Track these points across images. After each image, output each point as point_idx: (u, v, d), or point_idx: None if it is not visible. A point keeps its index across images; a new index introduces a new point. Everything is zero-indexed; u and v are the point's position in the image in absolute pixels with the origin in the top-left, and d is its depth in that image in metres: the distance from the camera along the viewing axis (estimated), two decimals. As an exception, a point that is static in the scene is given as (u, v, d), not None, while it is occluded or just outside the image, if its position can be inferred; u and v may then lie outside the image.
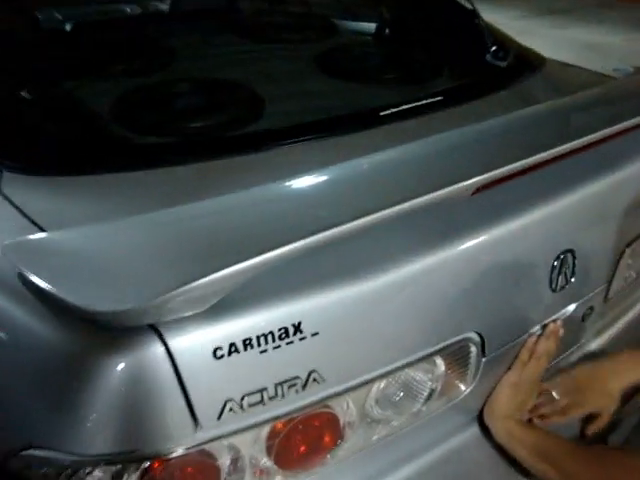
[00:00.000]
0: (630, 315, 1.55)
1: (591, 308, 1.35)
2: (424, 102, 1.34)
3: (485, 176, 0.94)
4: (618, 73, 1.66)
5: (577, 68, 1.80)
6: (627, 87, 1.43)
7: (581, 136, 1.08)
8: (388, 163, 1.01)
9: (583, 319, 1.36)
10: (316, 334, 0.89)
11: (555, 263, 1.18)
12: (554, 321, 1.25)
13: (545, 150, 1.01)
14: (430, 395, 1.10)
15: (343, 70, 1.60)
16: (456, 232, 1.02)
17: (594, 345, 1.46)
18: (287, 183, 0.93)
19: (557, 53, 4.75)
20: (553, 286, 1.20)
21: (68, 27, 1.77)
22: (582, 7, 6.90)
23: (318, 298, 0.90)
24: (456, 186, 0.91)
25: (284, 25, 1.97)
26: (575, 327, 1.35)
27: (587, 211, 1.22)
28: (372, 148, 1.03)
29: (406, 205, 0.87)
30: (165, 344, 0.81)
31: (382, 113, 1.28)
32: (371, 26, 1.94)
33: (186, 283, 0.74)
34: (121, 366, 0.80)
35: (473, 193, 0.95)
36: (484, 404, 1.22)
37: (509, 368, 1.22)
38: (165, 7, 2.12)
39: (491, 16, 1.75)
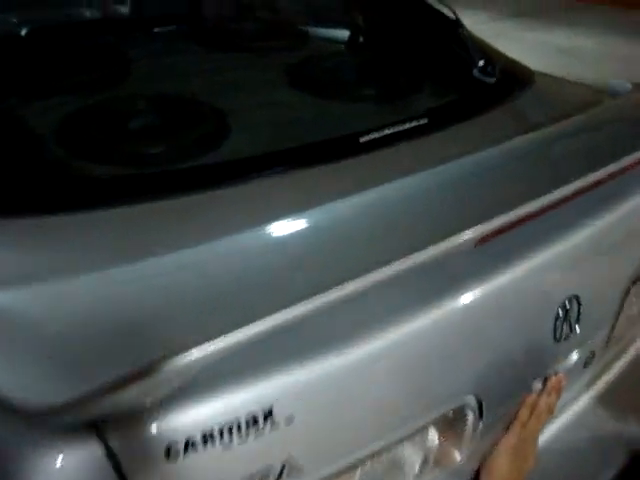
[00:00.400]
0: (631, 353, 1.43)
1: (593, 353, 1.23)
2: (408, 125, 1.19)
3: (489, 225, 0.80)
4: (614, 89, 1.53)
5: (568, 82, 1.67)
6: (627, 111, 1.30)
7: (583, 174, 0.97)
8: (370, 207, 0.86)
9: (585, 365, 1.23)
10: (291, 419, 0.75)
11: (560, 311, 1.05)
12: (556, 373, 1.11)
13: (550, 191, 0.88)
14: (422, 470, 0.96)
15: (316, 85, 1.44)
16: (449, 286, 0.88)
17: (593, 392, 1.33)
18: (242, 235, 0.78)
19: (531, 58, 4.66)
20: (557, 336, 1.07)
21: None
22: (552, 9, 6.84)
23: (293, 376, 0.75)
24: (457, 238, 0.77)
25: (253, 33, 1.81)
26: (576, 375, 1.22)
27: (592, 251, 1.09)
28: (351, 186, 0.89)
29: (396, 266, 0.73)
30: (105, 443, 0.66)
31: (361, 139, 1.13)
32: (346, 35, 1.79)
33: (134, 369, 0.59)
34: (50, 470, 0.65)
35: (476, 245, 0.81)
36: (480, 470, 1.08)
37: (507, 428, 1.08)
38: (123, 12, 1.96)
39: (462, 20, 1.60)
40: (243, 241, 0.80)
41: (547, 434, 1.17)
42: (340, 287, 0.70)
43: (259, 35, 1.78)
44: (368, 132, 1.14)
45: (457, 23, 1.60)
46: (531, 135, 1.10)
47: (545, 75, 1.64)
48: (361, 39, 1.80)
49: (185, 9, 1.99)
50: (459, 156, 0.99)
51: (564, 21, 6.27)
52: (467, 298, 0.88)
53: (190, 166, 1.04)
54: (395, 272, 0.74)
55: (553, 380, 1.10)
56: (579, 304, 1.08)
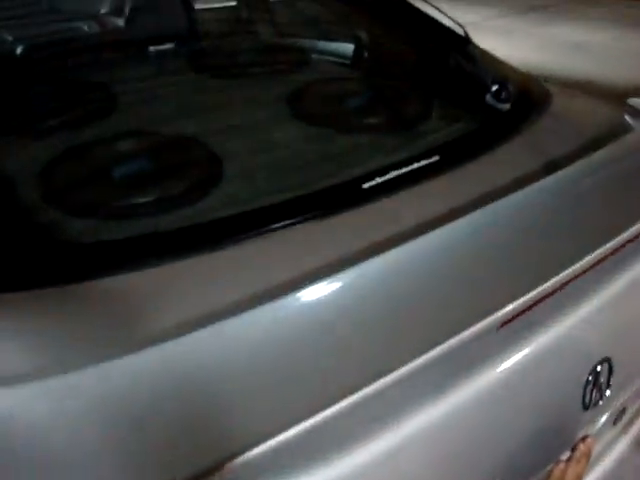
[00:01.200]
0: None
1: (624, 409, 1.12)
2: (417, 165, 1.08)
3: (515, 305, 0.69)
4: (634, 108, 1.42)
5: (586, 100, 1.55)
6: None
7: (615, 229, 0.86)
8: (373, 281, 0.76)
9: (615, 422, 1.12)
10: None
11: (589, 377, 0.94)
12: (584, 438, 1.01)
13: (581, 258, 0.78)
14: None
15: (318, 115, 1.33)
16: (469, 370, 0.78)
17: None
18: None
19: (543, 54, 4.54)
20: (586, 403, 0.96)
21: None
22: (563, 3, 6.69)
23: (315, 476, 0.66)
24: (478, 325, 0.67)
25: (250, 55, 1.70)
26: (606, 435, 1.11)
27: (621, 309, 0.98)
28: (354, 251, 0.79)
29: (412, 365, 0.63)
30: None
31: (365, 185, 1.02)
32: (349, 54, 1.68)
33: None
34: None
35: (499, 328, 0.70)
36: None
37: None
38: (112, 34, 1.86)
39: (469, 16, 1.50)
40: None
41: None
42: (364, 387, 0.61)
43: (257, 58, 1.67)
44: (372, 176, 1.04)
45: (466, 40, 1.49)
46: (553, 178, 0.99)
47: (561, 91, 1.53)
48: (365, 58, 1.68)
49: (179, 29, 1.89)
50: (473, 209, 0.88)
51: (575, 15, 6.13)
52: (488, 380, 0.78)
53: (179, 227, 0.94)
54: (412, 369, 0.64)
55: (582, 448, 1.00)
56: (610, 366, 0.97)
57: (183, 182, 1.08)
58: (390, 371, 0.65)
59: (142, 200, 1.04)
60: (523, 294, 0.73)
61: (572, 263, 0.80)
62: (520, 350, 0.80)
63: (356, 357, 0.69)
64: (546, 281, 0.76)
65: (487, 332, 0.71)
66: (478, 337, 0.70)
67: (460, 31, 1.51)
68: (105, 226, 0.98)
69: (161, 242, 0.91)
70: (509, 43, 4.74)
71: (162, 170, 1.13)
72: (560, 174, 1.00)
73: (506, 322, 0.72)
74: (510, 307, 0.71)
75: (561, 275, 0.78)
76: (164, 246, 0.89)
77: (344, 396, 0.64)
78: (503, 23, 5.77)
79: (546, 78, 1.64)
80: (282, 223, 0.92)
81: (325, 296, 0.74)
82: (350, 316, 0.72)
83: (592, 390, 0.96)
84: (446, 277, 0.77)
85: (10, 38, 1.70)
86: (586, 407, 0.97)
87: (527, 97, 1.38)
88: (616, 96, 3.66)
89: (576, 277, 0.80)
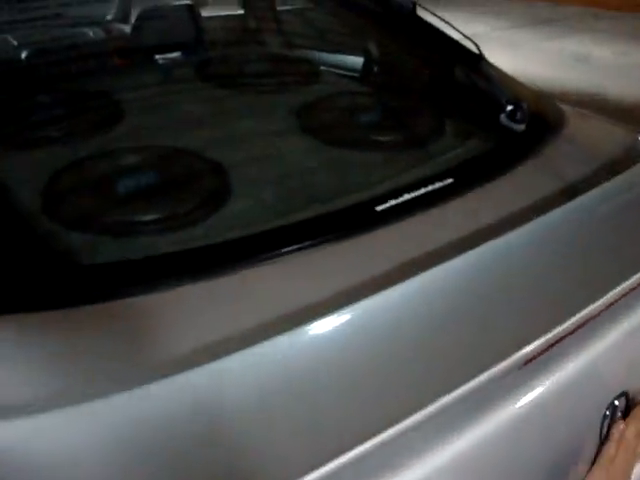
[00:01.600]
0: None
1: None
2: (431, 188, 1.05)
3: (540, 342, 0.67)
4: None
5: (600, 121, 1.53)
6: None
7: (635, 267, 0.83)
8: (389, 317, 0.73)
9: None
10: None
11: (607, 411, 0.92)
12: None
13: (605, 292, 0.75)
14: None
15: (328, 132, 1.31)
16: (492, 402, 0.75)
17: None
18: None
19: (550, 68, 4.52)
20: (603, 436, 0.94)
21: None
22: (568, 17, 6.69)
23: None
24: (501, 365, 0.64)
25: (259, 67, 1.67)
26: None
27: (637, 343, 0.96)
28: (369, 281, 0.76)
29: (433, 407, 0.60)
30: None
31: (378, 208, 1.00)
32: (359, 68, 1.65)
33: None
34: None
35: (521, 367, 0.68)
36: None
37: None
38: (119, 42, 1.83)
39: (476, 28, 1.47)
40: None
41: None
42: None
43: (266, 69, 1.64)
44: (386, 198, 1.01)
45: (480, 58, 1.47)
46: (574, 204, 0.96)
47: (574, 111, 1.50)
48: (376, 73, 1.66)
49: (186, 38, 1.86)
50: (491, 237, 0.86)
51: (582, 28, 6.12)
52: (508, 416, 0.76)
53: (185, 248, 0.91)
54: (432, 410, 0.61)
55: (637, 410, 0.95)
56: (627, 400, 0.94)
57: (191, 200, 1.06)
58: (410, 412, 0.62)
59: (149, 218, 1.02)
60: (548, 331, 0.70)
61: (596, 298, 0.78)
62: (540, 386, 0.77)
63: (375, 399, 0.66)
64: (570, 317, 0.73)
65: (510, 371, 0.68)
66: (501, 376, 0.68)
67: (473, 47, 1.48)
68: (113, 245, 0.95)
69: (168, 264, 0.88)
70: (515, 55, 4.74)
71: (170, 186, 1.11)
72: (580, 200, 0.97)
73: (529, 360, 0.69)
74: (534, 345, 0.68)
75: (586, 310, 0.75)
76: (172, 268, 0.87)
77: (368, 437, 0.61)
78: (509, 35, 5.76)
79: (559, 97, 1.62)
80: (290, 248, 0.89)
81: (334, 330, 0.72)
82: (365, 354, 0.69)
83: (610, 424, 0.93)
84: (466, 312, 0.74)
85: (14, 43, 1.68)
86: (602, 441, 0.94)
87: (541, 118, 1.36)
88: (622, 112, 3.65)
89: (599, 313, 0.77)
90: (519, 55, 4.87)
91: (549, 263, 0.85)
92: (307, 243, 0.91)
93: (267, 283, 0.83)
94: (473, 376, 0.66)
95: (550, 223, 0.92)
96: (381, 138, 1.30)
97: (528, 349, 0.68)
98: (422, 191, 1.04)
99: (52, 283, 0.83)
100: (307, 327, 0.71)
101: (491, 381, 0.68)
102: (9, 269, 0.84)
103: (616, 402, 0.92)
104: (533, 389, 0.77)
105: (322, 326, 0.71)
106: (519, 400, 0.76)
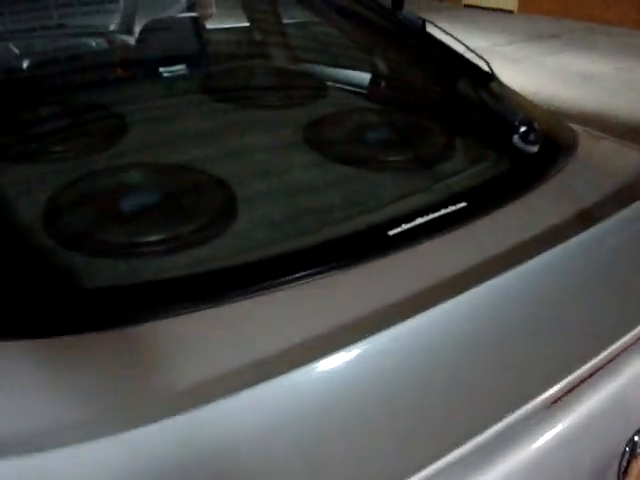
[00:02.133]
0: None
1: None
2: (444, 211, 1.03)
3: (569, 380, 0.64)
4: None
5: (612, 143, 1.50)
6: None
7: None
8: (400, 354, 0.70)
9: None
10: None
11: (627, 448, 0.88)
12: None
13: (634, 326, 0.72)
14: None
15: (336, 151, 1.28)
16: (517, 440, 0.72)
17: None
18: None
19: (553, 84, 4.50)
20: (621, 472, 0.90)
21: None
22: (570, 31, 6.69)
23: None
24: (528, 406, 0.61)
25: (265, 83, 1.65)
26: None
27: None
28: (387, 311, 0.73)
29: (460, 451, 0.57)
30: None
31: (391, 232, 0.97)
32: (367, 84, 1.63)
33: None
34: None
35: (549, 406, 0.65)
36: None
37: None
38: (123, 54, 1.81)
39: (478, 42, 1.44)
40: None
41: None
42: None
43: (272, 84, 1.62)
44: (398, 222, 0.98)
45: (492, 77, 1.44)
46: (594, 231, 0.94)
47: (586, 132, 1.48)
48: (384, 89, 1.64)
49: (190, 50, 1.84)
50: (505, 264, 0.83)
51: (584, 45, 6.12)
52: (531, 453, 0.73)
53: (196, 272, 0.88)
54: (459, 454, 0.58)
55: None
56: (647, 435, 0.91)
57: (197, 220, 1.03)
58: (436, 457, 0.59)
59: (152, 238, 0.99)
60: (576, 369, 0.67)
61: (623, 333, 0.75)
62: (564, 424, 0.74)
63: (395, 443, 0.63)
64: (600, 353, 0.70)
65: (538, 411, 0.65)
66: (528, 416, 0.65)
67: (484, 65, 1.46)
68: (118, 267, 0.93)
69: (177, 289, 0.85)
70: (517, 70, 4.73)
71: (175, 205, 1.08)
72: (604, 225, 0.95)
73: (557, 399, 0.66)
74: (562, 384, 0.65)
75: (614, 346, 0.72)
76: (180, 293, 0.84)
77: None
78: (512, 50, 5.76)
79: (563, 114, 1.59)
80: (297, 275, 0.86)
81: (342, 367, 0.69)
82: (378, 394, 0.67)
83: (629, 460, 0.90)
84: (490, 348, 0.71)
85: (16, 52, 1.66)
86: (621, 477, 0.91)
87: (554, 139, 1.33)
88: (628, 130, 3.63)
89: (626, 349, 0.74)
90: (520, 70, 4.86)
91: (572, 295, 0.83)
92: (319, 269, 0.88)
93: (272, 312, 0.81)
94: (499, 418, 0.63)
95: (573, 250, 0.89)
96: (391, 158, 1.27)
97: (557, 388, 0.65)
98: (435, 215, 1.01)
99: (55, 308, 0.80)
100: (313, 365, 0.68)
101: (519, 422, 0.65)
102: (7, 291, 0.81)
103: (636, 438, 0.89)
104: (558, 426, 0.74)
105: (328, 364, 0.68)
106: (538, 439, 0.73)
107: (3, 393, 0.67)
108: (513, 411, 0.63)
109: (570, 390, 0.67)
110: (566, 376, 0.66)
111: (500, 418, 0.62)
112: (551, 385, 0.65)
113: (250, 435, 0.63)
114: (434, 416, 0.66)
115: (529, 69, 4.96)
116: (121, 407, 0.65)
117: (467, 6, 7.90)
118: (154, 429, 0.61)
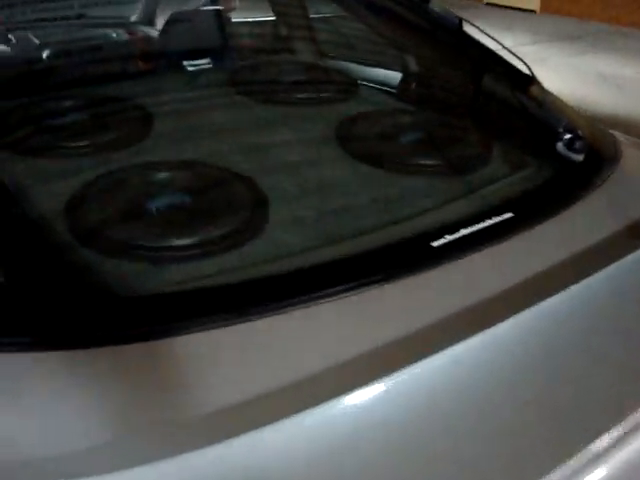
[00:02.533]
0: None
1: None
2: (489, 222, 0.97)
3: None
4: None
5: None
6: None
7: None
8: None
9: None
10: None
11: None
12: None
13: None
14: None
15: (370, 155, 1.22)
16: None
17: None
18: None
19: (577, 86, 4.42)
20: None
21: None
22: (593, 33, 6.60)
23: None
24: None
25: (294, 81, 1.59)
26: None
27: None
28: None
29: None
30: None
31: (434, 244, 0.91)
32: (398, 85, 1.57)
33: None
34: None
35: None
36: None
37: None
38: (148, 48, 1.76)
39: (503, 41, 1.38)
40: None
41: None
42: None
43: (302, 84, 1.56)
44: (441, 233, 0.93)
45: (532, 80, 1.38)
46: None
47: (628, 140, 1.42)
48: (420, 90, 1.58)
49: (215, 44, 1.79)
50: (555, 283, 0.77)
51: (607, 46, 6.02)
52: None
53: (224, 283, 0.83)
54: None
55: None
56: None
57: (226, 227, 0.97)
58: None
59: (180, 243, 0.94)
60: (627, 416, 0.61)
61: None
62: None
63: None
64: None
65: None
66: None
67: (524, 68, 1.40)
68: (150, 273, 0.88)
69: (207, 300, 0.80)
70: (541, 72, 4.64)
71: (205, 208, 1.03)
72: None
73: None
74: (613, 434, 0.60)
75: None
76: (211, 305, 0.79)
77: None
78: (536, 50, 5.67)
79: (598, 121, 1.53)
80: (334, 289, 0.81)
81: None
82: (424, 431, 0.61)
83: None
84: (543, 386, 0.65)
85: (36, 43, 1.61)
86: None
87: (598, 147, 1.27)
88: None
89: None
90: (544, 71, 4.77)
91: (630, 313, 0.77)
92: (359, 282, 0.82)
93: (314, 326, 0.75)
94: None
95: (629, 267, 0.83)
96: (430, 162, 1.21)
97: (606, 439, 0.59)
98: (481, 226, 0.95)
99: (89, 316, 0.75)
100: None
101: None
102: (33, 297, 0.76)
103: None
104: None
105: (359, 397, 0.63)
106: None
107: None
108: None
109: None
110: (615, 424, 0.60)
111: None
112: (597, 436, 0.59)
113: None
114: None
115: (552, 70, 4.88)
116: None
117: (489, 4, 7.80)
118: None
